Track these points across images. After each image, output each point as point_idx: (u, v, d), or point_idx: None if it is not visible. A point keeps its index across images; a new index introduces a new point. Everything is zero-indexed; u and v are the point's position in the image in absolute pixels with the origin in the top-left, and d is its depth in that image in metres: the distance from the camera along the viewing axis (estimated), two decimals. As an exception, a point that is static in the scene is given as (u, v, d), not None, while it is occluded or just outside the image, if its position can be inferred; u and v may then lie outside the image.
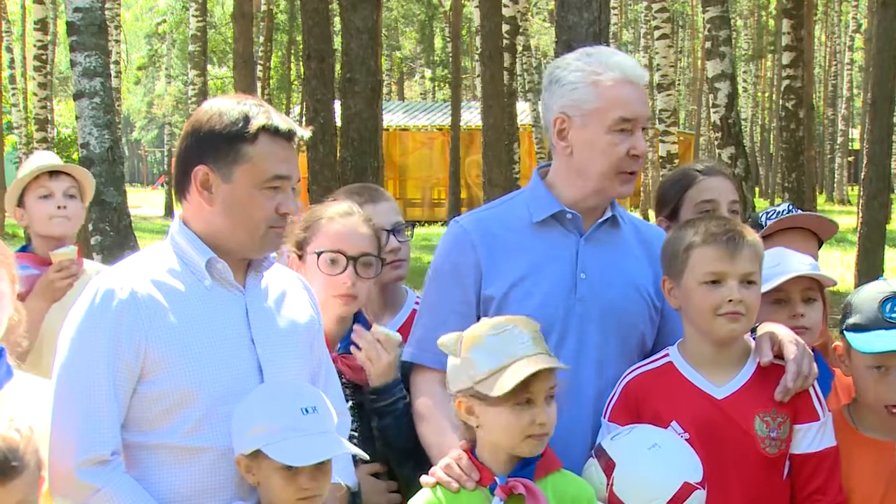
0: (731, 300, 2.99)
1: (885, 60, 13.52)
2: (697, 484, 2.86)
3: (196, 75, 29.57)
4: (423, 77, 55.41)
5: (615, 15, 29.36)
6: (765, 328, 3.15)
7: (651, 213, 4.26)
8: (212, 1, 39.10)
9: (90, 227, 8.68)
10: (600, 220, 3.25)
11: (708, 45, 12.91)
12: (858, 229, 14.21)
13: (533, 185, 3.31)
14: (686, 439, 2.98)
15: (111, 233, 8.69)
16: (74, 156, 12.32)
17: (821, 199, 40.78)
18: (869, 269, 13.19)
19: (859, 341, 3.10)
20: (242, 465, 2.70)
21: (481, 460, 2.77)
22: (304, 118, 16.44)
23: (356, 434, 3.21)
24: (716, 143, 12.60)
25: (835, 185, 46.81)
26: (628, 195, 3.27)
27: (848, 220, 24.19)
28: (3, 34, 28.90)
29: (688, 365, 3.10)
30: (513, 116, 20.72)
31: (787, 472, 3.06)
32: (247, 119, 2.76)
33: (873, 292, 3.16)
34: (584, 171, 3.19)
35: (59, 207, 4.26)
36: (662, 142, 18.20)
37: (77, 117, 8.90)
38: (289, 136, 2.80)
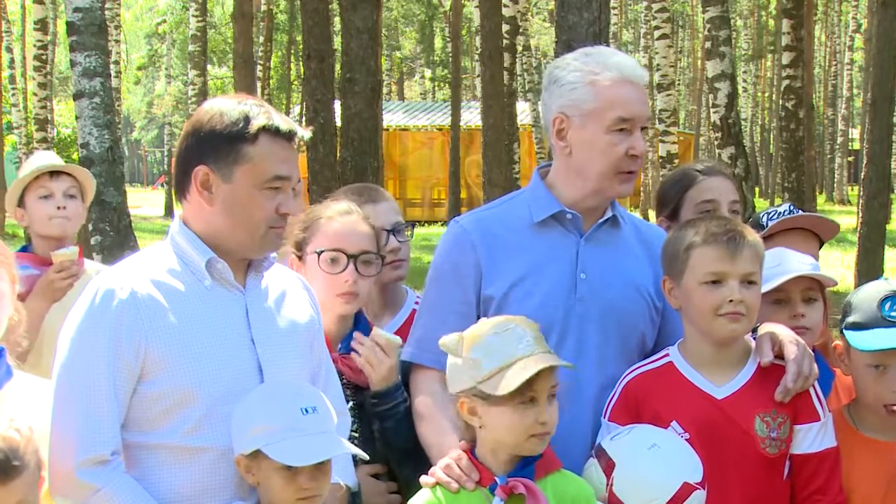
0: (731, 300, 2.99)
1: (885, 60, 13.52)
2: (697, 484, 2.86)
3: (196, 75, 29.57)
4: (423, 77, 55.41)
5: (615, 15, 29.36)
6: (765, 328, 3.15)
7: (651, 213, 4.27)
8: (212, 1, 39.10)
9: (90, 227, 8.67)
10: (601, 221, 3.25)
11: (708, 45, 12.91)
12: (858, 229, 14.20)
13: (533, 186, 3.31)
14: (686, 439, 2.98)
15: (111, 233, 8.69)
16: (74, 156, 12.32)
17: (821, 199, 40.79)
18: (869, 269, 13.19)
19: (858, 339, 3.10)
20: (242, 465, 2.70)
21: (481, 460, 2.77)
22: (304, 118, 16.44)
23: (356, 434, 3.21)
24: (716, 143, 12.60)
25: (835, 185, 46.82)
26: (628, 195, 3.27)
27: (848, 220, 24.19)
28: (3, 34, 28.90)
29: (688, 365, 3.10)
30: (513, 116, 20.72)
31: (788, 472, 3.06)
32: (247, 119, 2.76)
33: (873, 291, 3.16)
34: (583, 171, 3.19)
35: (58, 208, 4.26)
36: (662, 142, 18.20)
37: (77, 117, 8.89)
38: (289, 136, 2.80)
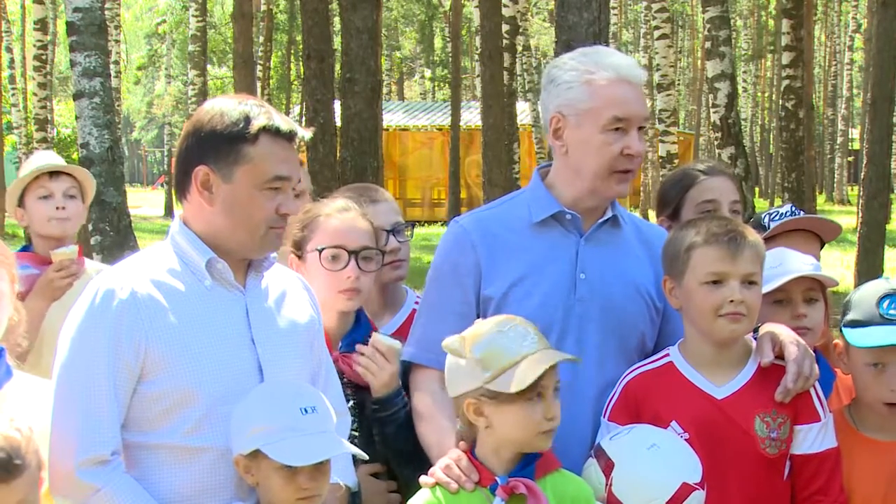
0: (732, 301, 2.99)
1: (885, 60, 13.52)
2: (696, 484, 2.86)
3: (196, 75, 29.57)
4: (422, 77, 55.40)
5: (615, 15, 29.35)
6: (766, 329, 3.15)
7: (651, 213, 4.26)
8: (212, 1, 39.10)
9: (90, 227, 8.67)
10: (601, 221, 3.25)
11: (708, 45, 12.91)
12: (858, 229, 14.20)
13: (533, 186, 3.31)
14: (686, 439, 2.98)
15: (111, 233, 8.69)
16: (74, 156, 12.31)
17: (821, 199, 40.79)
18: (869, 269, 13.19)
19: (856, 337, 3.10)
20: (241, 465, 2.70)
21: (482, 460, 2.77)
22: (303, 118, 16.44)
23: (357, 434, 3.21)
24: (716, 143, 12.60)
25: (835, 185, 46.83)
26: (624, 195, 3.27)
27: (848, 220, 24.19)
28: (3, 34, 28.89)
29: (688, 365, 3.10)
30: (513, 116, 20.72)
31: (788, 472, 3.06)
32: (248, 119, 2.76)
33: (872, 290, 3.17)
34: (580, 171, 3.19)
35: (57, 208, 4.26)
36: (662, 142, 18.21)
37: (77, 117, 8.89)
38: (290, 136, 2.80)
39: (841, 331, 3.17)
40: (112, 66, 18.58)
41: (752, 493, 3.00)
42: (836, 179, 46.67)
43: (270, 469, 2.66)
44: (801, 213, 3.95)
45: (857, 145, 42.45)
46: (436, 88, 53.66)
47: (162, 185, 49.09)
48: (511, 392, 2.67)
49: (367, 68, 10.41)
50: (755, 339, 3.15)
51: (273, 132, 2.76)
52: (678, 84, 42.14)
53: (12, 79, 30.33)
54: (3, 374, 2.81)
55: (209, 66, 36.38)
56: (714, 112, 12.52)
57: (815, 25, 38.31)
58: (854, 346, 3.11)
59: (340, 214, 3.39)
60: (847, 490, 3.07)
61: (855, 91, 50.17)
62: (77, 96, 8.84)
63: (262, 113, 2.78)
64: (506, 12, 19.53)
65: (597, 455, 2.97)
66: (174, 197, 3.47)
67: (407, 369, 3.30)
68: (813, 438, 3.05)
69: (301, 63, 14.78)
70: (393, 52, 49.03)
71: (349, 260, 3.33)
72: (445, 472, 2.78)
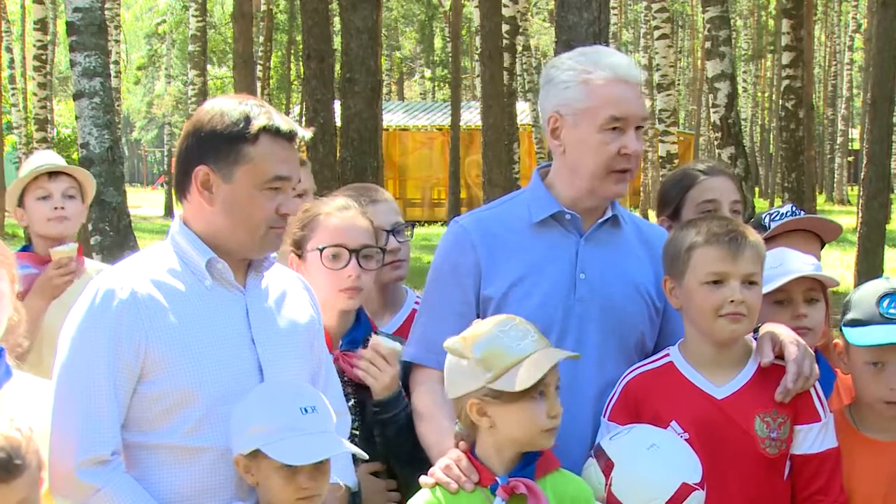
0: (732, 301, 2.99)
1: (885, 60, 13.52)
2: (696, 484, 2.85)
3: (196, 75, 29.57)
4: (422, 77, 55.40)
5: (615, 15, 29.36)
6: (766, 329, 3.15)
7: (651, 213, 4.26)
8: (212, 1, 39.10)
9: (90, 227, 8.67)
10: (600, 220, 3.25)
11: (708, 45, 12.91)
12: (858, 229, 14.20)
13: (533, 186, 3.31)
14: (686, 439, 2.98)
15: (111, 233, 8.69)
16: (74, 156, 12.31)
17: (821, 199, 40.79)
18: (869, 269, 13.19)
19: (855, 335, 3.10)
20: (241, 465, 2.70)
21: (482, 461, 2.76)
22: (303, 118, 16.44)
23: (357, 433, 3.21)
24: (716, 143, 12.60)
25: (835, 185, 46.83)
26: (623, 194, 3.26)
27: (848, 220, 24.19)
28: (3, 34, 28.89)
29: (688, 365, 3.09)
30: (513, 116, 20.72)
31: (788, 472, 3.05)
32: (248, 119, 2.75)
33: (872, 289, 3.17)
34: (577, 170, 3.19)
35: (56, 208, 4.26)
36: (662, 142, 18.21)
37: (77, 117, 8.89)
38: (290, 136, 2.80)
39: (841, 330, 3.17)
40: (112, 66, 18.58)
41: (753, 494, 2.99)
42: (836, 179, 46.67)
43: (270, 469, 2.66)
44: (802, 213, 3.95)
45: (857, 145, 42.45)
46: (436, 88, 53.65)
47: (162, 185, 49.09)
48: (515, 391, 2.67)
49: (367, 68, 10.41)
50: (755, 339, 3.15)
51: (273, 132, 2.76)
52: (678, 84, 42.13)
53: (12, 79, 30.33)
54: (3, 374, 2.81)
55: (209, 66, 36.37)
56: (714, 112, 12.52)
57: (815, 25, 38.31)
58: (854, 345, 3.11)
59: (340, 213, 3.39)
60: (847, 490, 3.07)
61: (855, 91, 50.18)
62: (77, 96, 8.84)
63: (262, 113, 2.78)
64: (506, 12, 19.53)
65: (596, 455, 2.97)
66: (174, 197, 3.47)
67: (407, 369, 3.30)
68: (813, 438, 3.05)
69: (301, 63, 14.79)
70: (393, 52, 49.03)
71: (350, 259, 3.33)
72: (445, 473, 2.78)
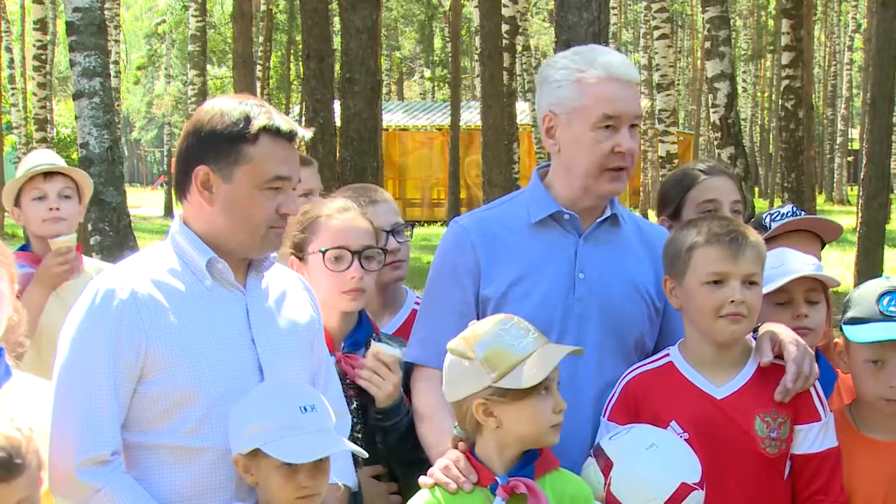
0: (733, 301, 2.99)
1: (885, 60, 13.52)
2: (695, 484, 2.86)
3: (195, 75, 29.56)
4: (422, 77, 55.39)
5: (615, 15, 29.37)
6: (766, 328, 3.15)
7: (651, 213, 4.26)
8: (211, 1, 39.09)
9: (90, 226, 8.67)
10: (599, 220, 3.25)
11: (707, 45, 12.91)
12: (858, 229, 14.21)
13: (532, 186, 3.32)
14: (685, 439, 2.98)
15: (110, 233, 8.68)
16: (74, 156, 12.32)
17: (820, 199, 40.79)
18: (868, 268, 13.19)
19: (855, 333, 3.10)
20: (241, 464, 2.70)
21: (483, 461, 2.76)
22: (303, 118, 16.44)
23: (359, 435, 3.21)
24: (715, 143, 12.60)
25: (834, 185, 46.83)
26: (619, 192, 3.25)
27: (847, 220, 24.19)
28: (3, 34, 28.89)
29: (688, 365, 3.09)
30: (512, 116, 20.72)
31: (789, 472, 3.05)
32: (248, 119, 2.75)
33: (872, 287, 3.18)
34: (572, 169, 3.19)
35: (51, 209, 4.25)
36: (662, 142, 18.22)
37: (76, 117, 8.89)
38: (290, 136, 2.80)
39: (841, 329, 3.17)
40: (112, 66, 18.58)
41: (753, 493, 2.99)
42: (835, 179, 46.68)
43: (270, 468, 2.66)
44: (803, 213, 3.95)
45: (856, 145, 42.44)
46: (435, 88, 53.63)
47: (161, 185, 49.07)
48: (524, 388, 2.67)
49: (366, 68, 10.41)
50: (755, 338, 3.15)
51: (273, 132, 2.76)
52: (678, 84, 42.13)
53: (12, 79, 30.33)
54: (3, 374, 2.81)
55: (209, 66, 36.37)
56: (714, 112, 12.51)
57: (815, 25, 38.32)
58: (854, 342, 3.11)
59: (341, 215, 3.39)
60: (848, 490, 3.07)
61: (855, 91, 50.19)
62: (77, 96, 8.83)
63: (262, 113, 2.78)
64: (505, 12, 19.53)
65: (596, 455, 2.97)
66: (174, 197, 3.47)
67: (407, 369, 3.30)
68: (813, 438, 3.05)
69: (301, 63, 14.78)
70: (393, 52, 49.02)
71: (352, 260, 3.32)
72: (444, 473, 2.78)
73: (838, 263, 18.94)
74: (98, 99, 8.70)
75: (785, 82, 15.29)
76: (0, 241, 2.96)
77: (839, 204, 42.60)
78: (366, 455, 2.89)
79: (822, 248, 3.91)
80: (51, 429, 2.69)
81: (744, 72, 47.50)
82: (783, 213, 3.88)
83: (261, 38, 32.26)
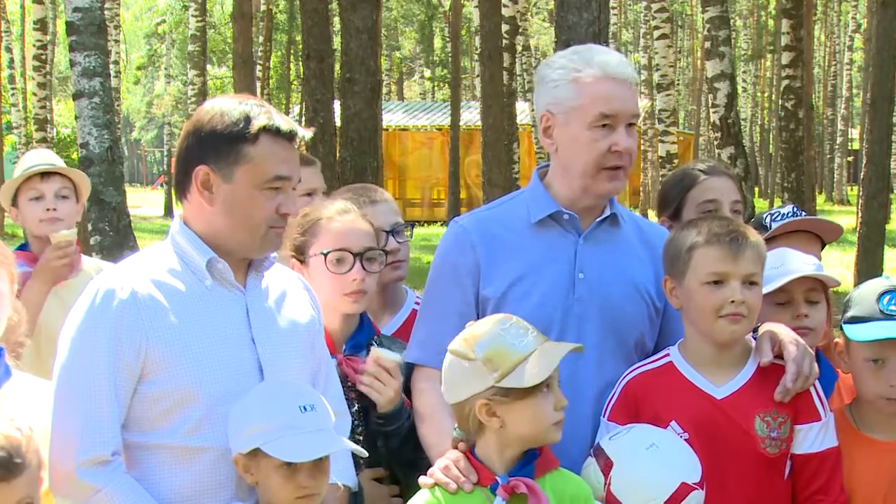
0: (733, 301, 2.99)
1: (885, 60, 13.52)
2: (695, 484, 2.86)
3: (195, 75, 29.56)
4: (422, 77, 55.39)
5: (615, 15, 29.37)
6: (765, 328, 3.15)
7: (651, 213, 4.26)
8: (211, 1, 39.08)
9: (90, 226, 8.67)
10: (599, 219, 3.25)
11: (707, 45, 12.91)
12: (858, 229, 14.21)
13: (532, 186, 3.32)
14: (685, 439, 2.98)
15: (110, 233, 8.68)
16: (74, 156, 12.32)
17: (820, 199, 40.79)
18: (868, 268, 13.19)
19: (855, 332, 3.10)
20: (240, 464, 2.70)
21: (483, 461, 2.76)
22: (303, 118, 16.44)
23: (360, 438, 3.21)
24: (715, 143, 12.60)
25: (834, 185, 46.84)
26: (617, 191, 3.24)
27: (847, 220, 24.19)
28: (3, 34, 28.89)
29: (688, 365, 3.09)
30: (512, 116, 20.71)
31: (789, 472, 3.05)
32: (248, 119, 2.75)
33: (872, 287, 3.18)
34: (569, 169, 3.20)
35: (48, 209, 4.24)
36: (662, 142, 18.21)
37: (76, 117, 8.88)
38: (290, 136, 2.80)
39: (841, 328, 3.17)
40: (112, 66, 18.57)
41: (753, 493, 2.99)
42: (835, 179, 46.68)
43: (270, 468, 2.66)
44: (803, 213, 3.94)
45: (856, 145, 42.43)
46: (435, 88, 53.62)
47: (161, 185, 49.06)
48: (527, 386, 2.67)
49: (366, 68, 10.41)
50: (754, 338, 3.15)
51: (273, 132, 2.76)
52: (678, 84, 42.13)
53: (12, 79, 30.32)
54: (2, 374, 2.81)
55: (209, 66, 36.36)
56: (714, 112, 12.51)
57: (815, 25, 38.31)
58: (854, 340, 3.11)
59: (341, 217, 3.39)
60: (848, 490, 3.07)
61: (855, 91, 50.19)
62: (77, 96, 8.83)
63: (262, 113, 2.78)
64: (505, 12, 19.53)
65: (596, 454, 2.97)
66: (174, 197, 3.47)
67: (407, 370, 3.30)
68: (813, 438, 3.05)
69: (301, 63, 14.78)
70: (393, 52, 49.01)
71: (354, 262, 3.32)
72: (444, 473, 2.77)
73: (838, 263, 18.93)
74: (98, 99, 8.70)
75: (785, 82, 15.29)
76: (0, 241, 2.95)
77: (839, 204, 42.60)
78: (365, 454, 2.89)
79: (822, 249, 3.91)
80: (51, 429, 2.69)
81: (744, 72, 47.50)
82: (783, 214, 3.88)
83: (261, 38, 32.25)
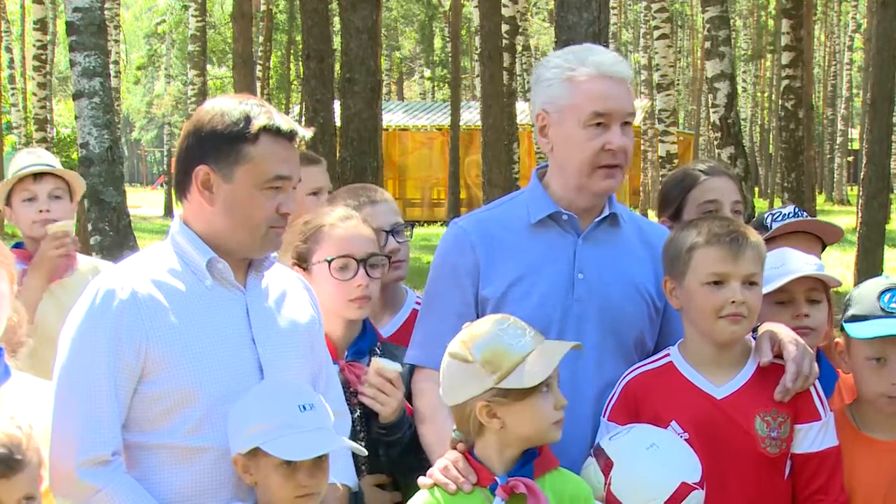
0: (733, 301, 2.99)
1: (885, 60, 13.52)
2: (695, 484, 2.86)
3: (195, 75, 29.56)
4: (422, 77, 55.38)
5: (615, 15, 29.38)
6: (765, 328, 3.14)
7: (651, 213, 4.26)
8: (211, 1, 39.08)
9: (90, 226, 8.67)
10: (598, 219, 3.25)
11: (707, 45, 12.92)
12: (858, 229, 14.20)
13: (531, 186, 3.32)
14: (685, 439, 2.98)
15: (110, 233, 8.68)
16: (74, 156, 12.32)
17: (820, 199, 40.78)
18: (868, 268, 13.19)
19: (856, 330, 3.10)
20: (240, 464, 2.70)
21: (482, 461, 2.76)
22: (303, 118, 16.43)
23: (363, 443, 3.20)
24: (715, 143, 12.60)
25: (834, 185, 46.84)
26: (613, 189, 3.23)
27: (847, 219, 24.19)
28: (3, 34, 28.89)
29: (688, 365, 3.09)
30: (512, 116, 20.70)
31: (789, 472, 3.05)
32: (248, 119, 2.75)
33: (873, 285, 3.18)
34: (565, 168, 3.20)
35: (41, 211, 4.23)
36: (662, 142, 18.22)
37: (76, 117, 8.88)
38: (290, 136, 2.80)
39: (842, 327, 3.17)
40: (112, 66, 18.57)
41: (753, 493, 2.99)
42: (835, 179, 46.68)
43: (269, 467, 2.66)
44: (804, 214, 3.94)
45: (856, 145, 42.43)
46: (435, 88, 53.61)
47: (161, 185, 49.06)
48: (526, 387, 2.67)
49: (366, 68, 10.41)
50: (754, 338, 3.15)
51: (274, 132, 2.76)
52: (678, 84, 42.13)
53: (12, 79, 30.33)
54: (2, 374, 2.81)
55: (209, 66, 36.36)
56: (714, 112, 12.52)
57: (815, 25, 38.31)
58: (855, 338, 3.11)
59: (344, 223, 3.38)
60: (848, 489, 3.07)
61: (854, 91, 50.19)
62: (77, 96, 8.83)
63: (262, 112, 2.78)
64: (505, 12, 19.52)
65: (596, 454, 2.97)
66: (174, 197, 3.47)
67: (408, 370, 3.30)
68: (813, 437, 3.05)
69: (301, 63, 14.77)
70: (393, 52, 49.02)
71: (358, 268, 3.32)
72: (443, 474, 2.77)
73: (838, 263, 18.93)
74: (98, 99, 8.70)
75: (785, 82, 15.29)
76: (0, 241, 2.95)
77: (839, 204, 42.59)
78: (365, 453, 2.90)
79: (823, 250, 3.90)
80: (51, 429, 2.69)
81: (744, 72, 47.51)
82: (785, 214, 3.88)
83: (261, 38, 32.25)
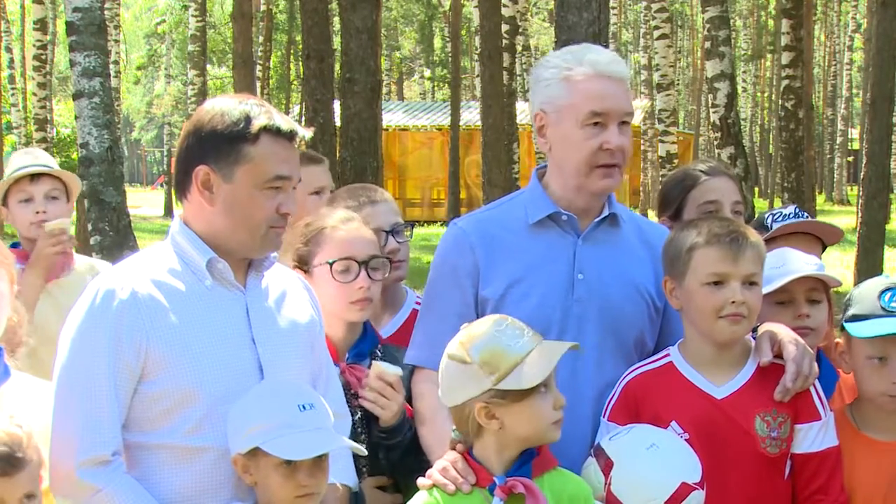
0: (733, 301, 2.99)
1: (885, 60, 13.52)
2: (696, 484, 2.86)
3: (195, 75, 29.56)
4: (422, 77, 55.38)
5: (615, 15, 29.38)
6: (765, 328, 3.15)
7: (651, 213, 4.27)
8: (211, 1, 39.08)
9: (90, 226, 8.67)
10: (598, 220, 3.25)
11: (707, 45, 12.91)
12: (858, 229, 14.21)
13: (531, 187, 3.32)
14: (686, 439, 2.98)
15: (110, 233, 8.67)
16: (74, 156, 12.31)
17: (820, 199, 40.78)
18: (868, 268, 13.18)
19: (857, 329, 3.10)
20: (239, 464, 2.70)
21: (480, 461, 2.76)
22: (303, 118, 16.43)
23: (364, 445, 3.20)
24: (715, 143, 12.59)
25: (834, 184, 46.85)
26: (612, 188, 3.23)
27: (847, 219, 24.19)
28: (3, 34, 28.89)
29: (688, 365, 3.09)
30: (512, 116, 20.70)
31: (789, 472, 3.05)
32: (248, 119, 2.75)
33: (873, 285, 3.18)
34: (563, 168, 3.20)
35: (37, 212, 4.22)
36: (662, 142, 18.22)
37: (76, 117, 8.87)
38: (290, 136, 2.80)
39: (842, 327, 3.17)
40: (112, 66, 18.57)
41: (753, 493, 2.99)
42: (835, 179, 46.69)
43: (269, 467, 2.66)
44: (805, 214, 3.94)
45: (856, 145, 42.42)
46: (435, 88, 53.61)
47: (161, 185, 49.05)
48: (525, 388, 2.67)
49: (366, 68, 10.40)
50: (754, 338, 3.15)
51: (274, 132, 2.76)
52: (678, 84, 42.13)
53: (12, 79, 30.33)
54: (2, 374, 2.81)
55: (209, 66, 36.35)
56: (714, 112, 12.51)
57: (815, 25, 38.31)
58: (856, 337, 3.11)
59: (345, 225, 3.38)
60: (848, 490, 3.07)
61: (854, 91, 50.19)
62: (77, 96, 8.82)
63: (262, 112, 2.78)
64: (505, 12, 19.52)
65: (596, 454, 2.97)
66: (174, 197, 3.47)
67: (408, 370, 3.30)
68: (813, 437, 3.05)
69: (301, 63, 14.77)
70: (393, 52, 49.02)
71: (360, 271, 3.32)
72: (442, 474, 2.77)
73: (838, 263, 18.93)
74: (98, 99, 8.69)
75: (785, 82, 15.28)
76: (0, 241, 2.95)
77: (839, 204, 42.59)
78: (365, 452, 2.90)
79: (823, 251, 3.90)
80: (51, 429, 2.69)
81: (744, 72, 47.51)
82: (785, 214, 3.87)
83: (261, 38, 32.25)
